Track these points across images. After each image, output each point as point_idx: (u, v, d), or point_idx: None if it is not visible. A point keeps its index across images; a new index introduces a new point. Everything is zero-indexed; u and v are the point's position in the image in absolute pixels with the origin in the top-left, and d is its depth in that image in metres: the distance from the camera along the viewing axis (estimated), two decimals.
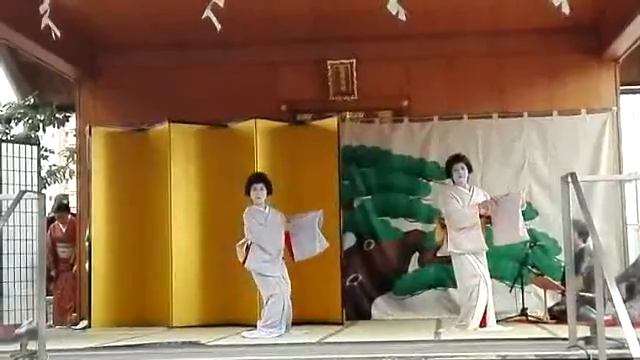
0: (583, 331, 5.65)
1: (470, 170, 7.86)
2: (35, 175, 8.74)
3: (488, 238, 7.73)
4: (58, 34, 5.77)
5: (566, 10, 5.29)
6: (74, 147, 12.95)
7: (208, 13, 5.46)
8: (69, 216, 10.60)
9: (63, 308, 10.14)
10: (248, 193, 7.76)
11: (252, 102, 9.59)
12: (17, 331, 6.54)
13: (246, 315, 8.28)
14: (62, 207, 10.59)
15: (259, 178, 7.85)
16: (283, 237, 7.67)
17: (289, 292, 7.62)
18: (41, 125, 13.32)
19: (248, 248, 7.61)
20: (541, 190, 9.57)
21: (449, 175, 7.87)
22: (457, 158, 7.87)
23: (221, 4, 5.45)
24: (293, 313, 7.67)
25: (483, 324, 7.45)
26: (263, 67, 10.03)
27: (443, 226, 7.84)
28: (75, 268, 10.16)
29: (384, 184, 9.81)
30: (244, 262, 7.62)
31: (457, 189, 7.78)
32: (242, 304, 8.48)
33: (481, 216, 7.58)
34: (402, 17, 5.30)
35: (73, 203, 11.24)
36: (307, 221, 7.74)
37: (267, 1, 8.78)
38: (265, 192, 7.75)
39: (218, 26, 5.45)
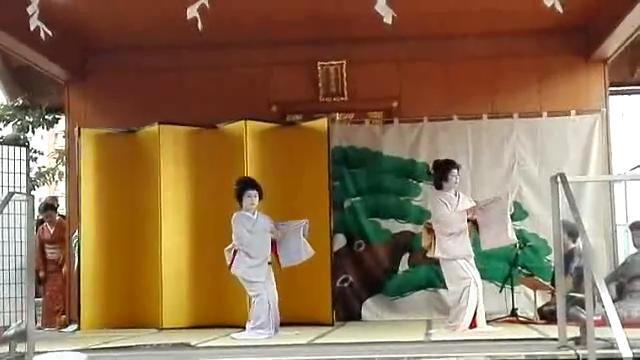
0: (573, 331, 5.66)
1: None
2: (24, 177, 8.69)
3: (475, 243, 7.73)
4: (50, 34, 5.75)
5: (559, 9, 5.29)
6: (63, 149, 12.92)
7: (193, 13, 5.45)
8: (57, 217, 10.55)
9: (51, 309, 10.10)
10: (239, 198, 7.73)
11: (242, 103, 9.59)
12: (5, 333, 6.49)
13: (236, 316, 8.27)
14: (49, 207, 10.52)
15: (254, 185, 7.80)
16: (270, 243, 7.69)
17: (275, 295, 7.62)
18: (30, 127, 13.27)
19: (235, 252, 7.61)
20: (531, 191, 9.58)
21: (444, 179, 7.74)
22: (454, 164, 7.80)
23: (207, 4, 5.44)
24: (283, 314, 7.65)
25: (473, 325, 7.45)
26: (253, 68, 10.02)
27: (429, 230, 7.83)
28: (64, 269, 10.12)
29: (374, 185, 9.80)
30: (230, 266, 7.62)
31: (445, 195, 7.75)
32: (232, 306, 8.47)
33: (468, 220, 7.59)
34: (388, 20, 5.29)
35: (63, 205, 11.20)
36: (293, 229, 7.75)
37: (257, 3, 8.76)
38: (258, 199, 7.74)
39: (200, 26, 5.44)
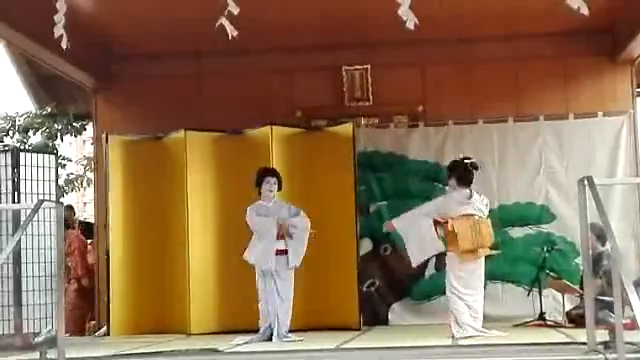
0: (602, 335, 5.61)
1: (475, 168, 7.54)
2: (53, 184, 8.77)
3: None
4: (67, 46, 5.80)
5: (585, 11, 5.27)
6: (91, 155, 13.04)
7: (223, 21, 5.50)
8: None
9: (70, 316, 10.12)
10: (258, 185, 7.73)
11: (268, 109, 9.63)
12: (36, 340, 6.56)
13: None
14: None
15: (273, 172, 7.84)
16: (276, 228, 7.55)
17: (277, 303, 7.51)
18: (58, 134, 13.42)
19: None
20: (558, 193, 9.54)
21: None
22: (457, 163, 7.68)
23: (236, 12, 5.49)
24: (310, 319, 7.64)
25: None
26: (278, 74, 10.06)
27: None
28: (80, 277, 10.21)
29: (400, 189, 9.80)
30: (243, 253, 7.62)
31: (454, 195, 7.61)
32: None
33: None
34: (410, 26, 5.30)
35: (91, 211, 11.26)
36: (299, 232, 7.63)
37: (282, 8, 8.81)
38: (277, 187, 7.74)
39: (233, 33, 5.49)
